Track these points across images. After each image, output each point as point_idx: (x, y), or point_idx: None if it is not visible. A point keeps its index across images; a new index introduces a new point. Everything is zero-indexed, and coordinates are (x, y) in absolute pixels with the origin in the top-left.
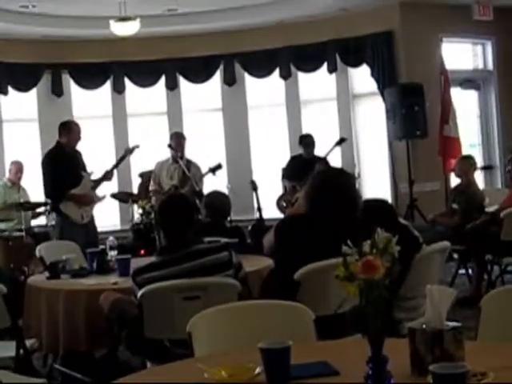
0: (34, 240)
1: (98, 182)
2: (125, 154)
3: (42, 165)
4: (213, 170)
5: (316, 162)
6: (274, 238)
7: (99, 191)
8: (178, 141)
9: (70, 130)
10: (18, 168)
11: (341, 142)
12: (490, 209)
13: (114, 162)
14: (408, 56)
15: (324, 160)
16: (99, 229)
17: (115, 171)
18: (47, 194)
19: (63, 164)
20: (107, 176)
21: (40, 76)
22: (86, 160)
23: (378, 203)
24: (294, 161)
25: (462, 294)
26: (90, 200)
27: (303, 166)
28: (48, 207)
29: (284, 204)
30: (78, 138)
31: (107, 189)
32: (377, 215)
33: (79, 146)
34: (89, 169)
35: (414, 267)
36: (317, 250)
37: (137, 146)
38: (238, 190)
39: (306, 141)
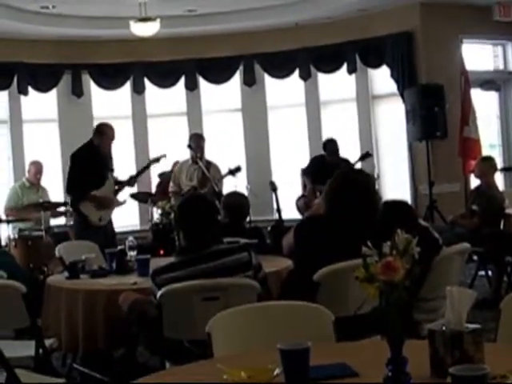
0: (53, 240)
1: (120, 187)
2: (149, 163)
3: (70, 159)
4: (232, 172)
5: (339, 164)
6: (293, 239)
7: (120, 196)
8: (197, 142)
9: (102, 133)
10: (37, 169)
11: (365, 156)
12: (510, 210)
13: (136, 167)
14: (428, 57)
15: (348, 163)
16: (119, 229)
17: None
18: (68, 190)
19: (91, 164)
20: (131, 182)
21: (60, 76)
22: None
23: (398, 204)
24: (316, 161)
25: (481, 296)
26: (110, 203)
27: (326, 168)
28: (68, 207)
29: (303, 205)
30: (111, 141)
31: (127, 192)
32: (397, 216)
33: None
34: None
35: (433, 269)
36: (336, 251)
37: (163, 156)
38: (257, 190)
39: (330, 147)
